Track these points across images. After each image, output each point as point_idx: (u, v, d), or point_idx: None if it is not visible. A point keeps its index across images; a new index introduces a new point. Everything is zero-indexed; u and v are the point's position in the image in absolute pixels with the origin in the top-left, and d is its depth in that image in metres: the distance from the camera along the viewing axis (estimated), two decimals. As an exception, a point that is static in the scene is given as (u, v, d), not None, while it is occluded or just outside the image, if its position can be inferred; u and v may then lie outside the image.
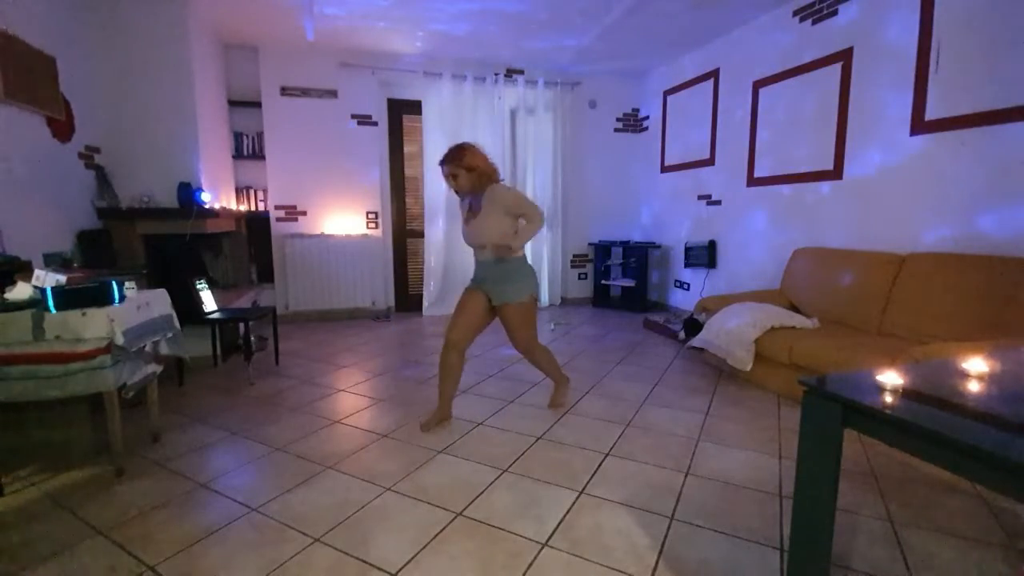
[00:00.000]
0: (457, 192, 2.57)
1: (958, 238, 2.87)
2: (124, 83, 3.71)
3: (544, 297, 5.94)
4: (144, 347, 2.22)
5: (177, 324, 2.52)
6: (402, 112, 5.45)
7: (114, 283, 2.08)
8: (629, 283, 5.73)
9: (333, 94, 5.09)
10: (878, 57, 3.27)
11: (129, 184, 3.74)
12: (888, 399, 1.10)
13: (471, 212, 2.55)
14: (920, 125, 3.03)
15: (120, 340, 1.96)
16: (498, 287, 2.51)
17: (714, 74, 4.80)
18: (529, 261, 2.68)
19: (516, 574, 1.50)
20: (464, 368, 2.60)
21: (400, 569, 1.52)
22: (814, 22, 3.73)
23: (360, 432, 2.51)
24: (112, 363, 1.97)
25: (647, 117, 6.01)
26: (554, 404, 2.82)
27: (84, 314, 1.92)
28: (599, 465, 2.16)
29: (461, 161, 2.44)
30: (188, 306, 3.09)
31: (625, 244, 5.83)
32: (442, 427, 2.56)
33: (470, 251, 2.65)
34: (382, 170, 5.41)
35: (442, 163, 2.50)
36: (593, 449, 2.31)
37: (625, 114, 6.13)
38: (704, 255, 4.93)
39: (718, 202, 4.85)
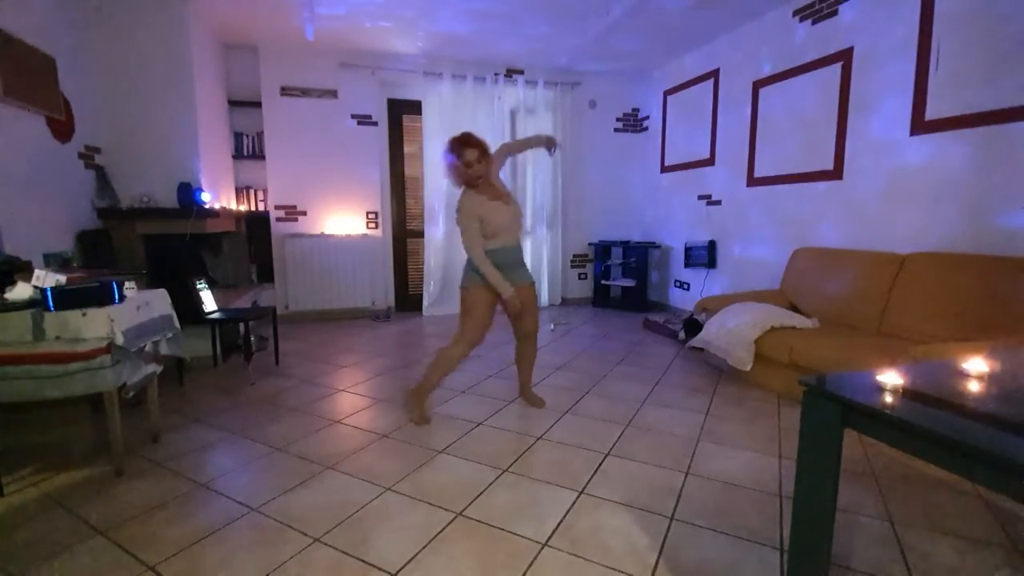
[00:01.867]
0: (467, 179, 2.41)
1: (958, 238, 2.87)
2: (124, 83, 3.71)
3: (544, 297, 5.95)
4: (144, 347, 2.22)
5: (177, 324, 2.52)
6: (402, 112, 5.46)
7: (114, 283, 2.08)
8: (629, 283, 5.72)
9: (333, 94, 5.09)
10: (878, 57, 3.27)
11: (129, 184, 3.75)
12: (888, 399, 1.10)
13: (495, 196, 2.44)
14: (920, 125, 3.03)
15: (120, 340, 1.96)
16: (522, 268, 2.58)
17: (714, 74, 4.80)
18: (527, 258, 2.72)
19: (516, 574, 1.50)
20: (465, 368, 2.59)
21: (400, 569, 1.52)
22: (814, 22, 3.73)
23: (360, 432, 2.51)
24: (112, 363, 1.97)
25: (647, 117, 6.01)
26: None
27: (84, 314, 1.92)
28: (599, 465, 2.16)
29: (482, 144, 2.41)
30: (188, 306, 3.09)
31: (625, 244, 5.83)
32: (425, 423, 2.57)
33: None
34: (382, 170, 5.41)
35: (461, 148, 2.35)
36: (593, 449, 2.31)
37: (625, 114, 6.12)
38: (704, 255, 4.93)
39: (718, 202, 4.85)
